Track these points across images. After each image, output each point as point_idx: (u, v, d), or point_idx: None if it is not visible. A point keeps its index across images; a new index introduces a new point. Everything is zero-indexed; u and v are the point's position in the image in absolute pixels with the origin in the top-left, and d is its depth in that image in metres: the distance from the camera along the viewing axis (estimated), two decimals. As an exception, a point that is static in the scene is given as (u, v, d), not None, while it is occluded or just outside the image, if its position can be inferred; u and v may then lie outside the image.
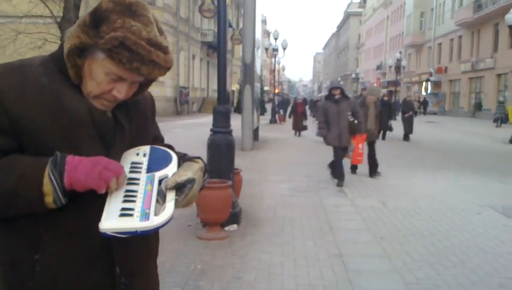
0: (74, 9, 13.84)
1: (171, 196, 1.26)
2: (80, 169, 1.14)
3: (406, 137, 16.62)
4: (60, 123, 1.21)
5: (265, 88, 49.83)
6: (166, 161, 1.37)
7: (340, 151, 8.06)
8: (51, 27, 15.92)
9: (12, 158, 1.16)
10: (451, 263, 4.28)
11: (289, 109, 23.15)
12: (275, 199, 6.87)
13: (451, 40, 41.55)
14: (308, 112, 23.62)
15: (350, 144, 8.18)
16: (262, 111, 30.06)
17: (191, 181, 1.29)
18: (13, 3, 18.29)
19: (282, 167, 10.08)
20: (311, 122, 19.49)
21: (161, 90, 28.25)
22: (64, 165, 1.13)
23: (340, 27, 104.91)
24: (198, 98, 36.25)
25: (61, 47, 1.26)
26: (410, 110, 16.98)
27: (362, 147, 8.41)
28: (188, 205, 1.34)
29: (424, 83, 46.98)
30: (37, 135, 1.19)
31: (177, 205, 1.27)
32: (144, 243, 1.40)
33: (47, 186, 1.12)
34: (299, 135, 18.29)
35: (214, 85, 41.35)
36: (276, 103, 28.66)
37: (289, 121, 21.08)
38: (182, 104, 31.04)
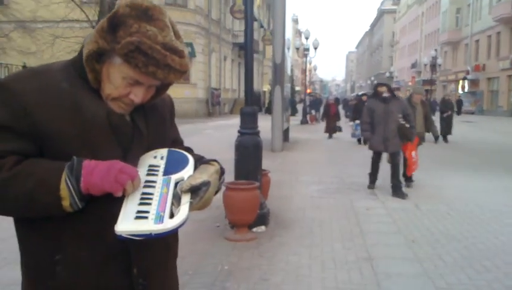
0: (109, 13, 14.17)
1: (185, 199, 1.26)
2: (96, 173, 1.16)
3: (444, 138, 15.78)
4: (79, 127, 1.24)
5: (297, 88, 49.65)
6: (183, 164, 1.38)
7: (380, 156, 7.45)
8: (87, 31, 16.27)
9: (31, 162, 1.19)
10: (485, 268, 4.13)
11: (321, 110, 22.65)
12: (304, 201, 6.83)
13: (489, 36, 40.21)
14: (342, 112, 23.04)
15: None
16: (293, 112, 29.94)
17: (206, 184, 1.29)
18: (51, 8, 18.87)
19: (313, 168, 10.00)
20: (344, 123, 18.65)
21: (193, 92, 28.56)
22: (80, 170, 1.16)
23: (373, 25, 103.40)
24: (229, 99, 36.46)
25: (81, 52, 1.30)
26: (449, 110, 16.15)
27: (416, 154, 7.65)
28: (203, 208, 1.35)
29: (460, 82, 45.69)
30: (56, 139, 1.22)
31: (192, 207, 1.27)
32: (162, 243, 1.40)
33: (64, 191, 1.15)
34: (331, 137, 17.24)
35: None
36: (308, 103, 28.41)
37: (322, 122, 20.49)
38: (213, 106, 31.29)
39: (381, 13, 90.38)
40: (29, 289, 1.32)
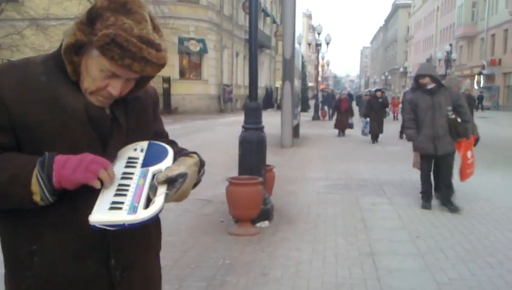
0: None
1: (161, 190, 1.28)
2: (68, 166, 1.19)
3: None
4: (58, 120, 1.26)
5: (310, 84, 49.37)
6: (162, 156, 1.40)
7: (431, 162, 6.19)
8: (98, 28, 16.49)
9: (5, 157, 1.22)
10: (488, 264, 4.08)
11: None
12: (310, 196, 6.81)
13: (506, 30, 39.52)
14: (356, 108, 22.03)
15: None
16: (305, 107, 29.80)
17: (182, 176, 1.30)
18: (64, 6, 19.09)
19: (321, 165, 9.96)
20: (357, 120, 17.71)
21: (204, 88, 28.62)
22: (52, 165, 1.19)
23: (388, 20, 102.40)
24: (241, 95, 36.45)
25: (60, 46, 1.31)
26: (470, 106, 15.34)
27: (472, 155, 6.33)
28: (180, 200, 1.36)
29: (476, 77, 45.03)
30: (35, 132, 1.25)
31: (168, 199, 1.28)
32: (141, 235, 1.42)
33: (34, 186, 1.18)
34: (343, 134, 16.30)
35: (258, 82, 41.35)
36: (320, 99, 28.24)
37: (332, 119, 19.81)
38: (225, 102, 31.31)
39: (396, 8, 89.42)
40: (10, 279, 1.35)
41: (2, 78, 1.25)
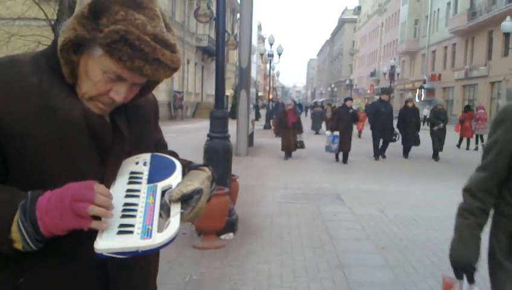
0: (69, 11, 13.65)
1: (176, 210, 1.10)
2: (50, 210, 0.97)
3: (435, 155, 13.32)
4: (50, 128, 1.06)
5: (259, 94, 49.77)
6: (170, 170, 1.23)
7: None
8: (44, 30, 15.71)
9: None
10: (456, 275, 4.14)
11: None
12: (272, 206, 6.73)
13: (445, 47, 41.74)
14: (306, 121, 20.92)
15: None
16: (257, 117, 29.95)
17: (198, 192, 1.14)
18: (7, 5, 18.01)
19: (278, 173, 9.95)
20: (313, 135, 16.19)
21: (155, 94, 27.48)
22: (35, 211, 0.97)
23: (334, 34, 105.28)
24: (192, 102, 36.09)
25: (54, 42, 1.11)
26: (440, 122, 13.17)
27: None
28: (194, 219, 1.19)
29: (417, 90, 47.12)
30: (25, 142, 1.04)
31: (183, 219, 1.11)
32: (142, 260, 1.23)
33: (15, 234, 0.97)
34: (290, 156, 12.63)
35: (208, 90, 41.21)
36: (271, 108, 28.53)
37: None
38: (175, 109, 30.85)
39: (342, 22, 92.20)
40: None
41: None
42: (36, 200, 0.98)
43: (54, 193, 0.99)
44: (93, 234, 1.00)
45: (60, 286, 1.10)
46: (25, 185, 1.02)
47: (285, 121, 12.48)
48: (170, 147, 1.48)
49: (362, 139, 19.02)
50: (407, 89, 50.17)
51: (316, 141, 15.77)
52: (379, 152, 13.11)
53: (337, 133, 11.91)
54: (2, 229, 0.97)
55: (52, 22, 14.35)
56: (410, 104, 13.62)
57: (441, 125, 13.05)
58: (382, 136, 13.09)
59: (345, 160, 12.15)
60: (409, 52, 49.92)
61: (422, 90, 45.33)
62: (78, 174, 1.07)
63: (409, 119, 13.32)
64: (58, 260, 1.09)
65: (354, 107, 14.09)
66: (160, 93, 28.58)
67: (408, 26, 49.10)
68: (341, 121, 12.05)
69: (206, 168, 1.29)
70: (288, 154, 12.57)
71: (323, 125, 23.17)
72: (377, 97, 29.59)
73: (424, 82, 44.55)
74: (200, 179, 1.19)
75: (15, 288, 1.08)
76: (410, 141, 13.34)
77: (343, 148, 12.03)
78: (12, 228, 0.96)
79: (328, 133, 12.42)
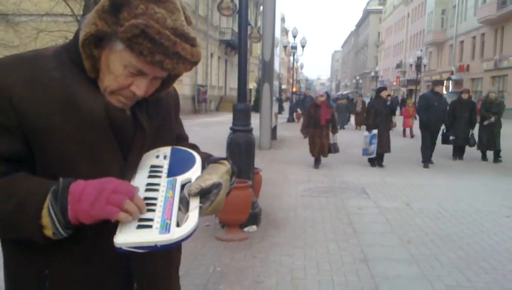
0: (94, 6, 13.88)
1: (195, 204, 1.11)
2: (85, 198, 0.98)
3: (484, 156, 11.24)
4: (72, 122, 1.07)
5: (283, 86, 49.60)
6: (189, 164, 1.23)
7: None
8: (71, 25, 16.00)
9: (14, 179, 1.02)
10: (483, 269, 4.06)
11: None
12: (295, 200, 6.72)
13: (474, 37, 40.65)
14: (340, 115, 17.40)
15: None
16: (280, 110, 29.85)
17: (217, 186, 1.14)
18: (34, 1, 18.43)
19: (302, 166, 9.89)
20: (351, 134, 14.18)
21: (179, 88, 28.25)
22: (67, 197, 0.98)
23: (359, 25, 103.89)
24: (216, 96, 36.25)
25: (76, 37, 1.12)
26: (492, 115, 10.98)
27: None
28: (213, 213, 1.20)
29: (445, 82, 46.16)
30: (47, 136, 1.05)
31: (202, 213, 1.12)
32: (164, 254, 1.24)
33: (45, 218, 0.98)
34: (319, 162, 9.92)
35: (231, 83, 41.31)
36: (294, 101, 28.34)
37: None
38: (199, 103, 31.03)
39: (367, 13, 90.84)
40: None
41: (9, 73, 1.06)
42: (68, 186, 0.99)
43: (91, 182, 1.00)
44: (115, 229, 1.01)
45: (84, 278, 1.12)
46: (49, 178, 1.04)
47: (316, 117, 9.48)
48: (194, 141, 1.48)
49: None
50: (434, 81, 49.19)
51: (340, 136, 15.27)
52: (428, 157, 10.35)
53: (375, 131, 9.79)
54: (32, 214, 0.98)
55: (79, 18, 14.60)
56: (465, 96, 11.32)
57: (492, 119, 10.90)
58: (432, 137, 10.41)
59: (380, 162, 10.11)
60: (436, 43, 48.81)
61: (450, 81, 44.36)
62: (100, 168, 1.09)
63: (459, 114, 11.07)
64: (83, 253, 1.11)
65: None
66: (184, 87, 28.79)
67: (435, 16, 47.99)
68: (378, 116, 9.92)
69: (226, 162, 1.29)
70: (319, 161, 9.90)
71: (352, 119, 22.61)
72: (403, 89, 28.69)
73: (452, 73, 43.54)
74: (219, 173, 1.19)
75: (40, 280, 1.10)
76: (461, 140, 11.10)
77: (383, 149, 9.90)
78: (42, 213, 0.98)
79: (366, 133, 10.09)
